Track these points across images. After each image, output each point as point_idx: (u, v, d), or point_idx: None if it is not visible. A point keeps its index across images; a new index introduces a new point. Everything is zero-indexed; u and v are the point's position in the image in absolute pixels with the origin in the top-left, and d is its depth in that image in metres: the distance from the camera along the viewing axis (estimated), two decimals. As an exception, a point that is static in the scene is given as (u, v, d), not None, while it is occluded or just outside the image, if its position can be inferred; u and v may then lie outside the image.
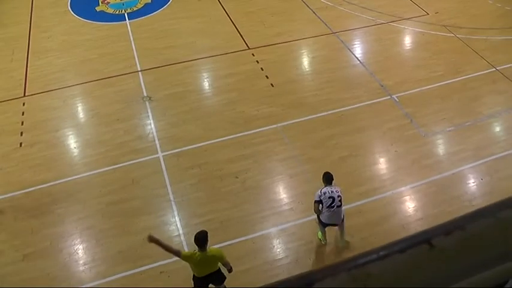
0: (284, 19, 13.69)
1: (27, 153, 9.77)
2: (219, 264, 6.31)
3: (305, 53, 12.72)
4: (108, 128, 10.16)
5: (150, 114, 10.35)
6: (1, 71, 12.24)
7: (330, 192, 6.87)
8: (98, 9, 14.50)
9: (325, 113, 10.23)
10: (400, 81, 11.11)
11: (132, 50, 12.42)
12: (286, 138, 9.61)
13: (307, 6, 14.28)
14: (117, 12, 14.26)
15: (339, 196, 6.91)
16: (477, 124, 9.90)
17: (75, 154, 9.84)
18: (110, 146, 9.70)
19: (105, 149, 9.65)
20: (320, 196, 6.87)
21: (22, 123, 10.56)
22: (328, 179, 7.06)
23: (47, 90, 11.46)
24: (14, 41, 13.28)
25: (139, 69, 11.70)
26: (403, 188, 8.56)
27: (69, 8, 14.85)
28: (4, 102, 11.20)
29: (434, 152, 9.51)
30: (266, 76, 11.35)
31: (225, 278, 6.49)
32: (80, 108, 11.13)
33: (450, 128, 9.82)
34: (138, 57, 12.12)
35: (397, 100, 10.55)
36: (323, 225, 7.21)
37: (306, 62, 12.50)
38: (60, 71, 12.07)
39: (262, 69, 11.61)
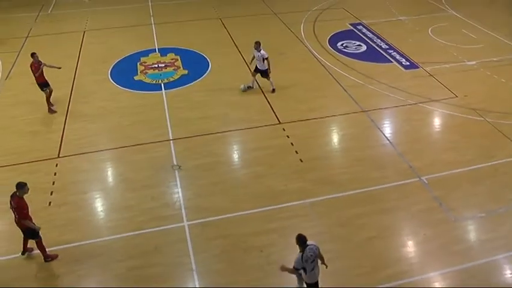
0: (315, 95, 14.38)
1: (54, 213, 10.25)
2: None
3: (335, 130, 13.16)
4: (135, 194, 10.60)
5: (178, 182, 10.76)
6: (40, 133, 13.15)
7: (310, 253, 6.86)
8: (136, 78, 15.57)
9: (353, 192, 10.41)
10: (429, 163, 11.29)
11: (166, 119, 13.17)
12: (313, 214, 9.75)
13: (339, 83, 15.02)
14: (154, 82, 15.30)
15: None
16: (511, 211, 9.82)
17: (101, 217, 10.23)
18: (136, 212, 10.07)
19: (131, 214, 10.02)
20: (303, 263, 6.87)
21: (53, 183, 11.13)
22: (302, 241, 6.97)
23: (79, 153, 12.17)
24: (57, 104, 14.22)
25: (171, 138, 12.33)
26: (432, 274, 8.46)
27: (109, 76, 16.07)
28: (38, 162, 11.89)
29: (465, 238, 9.43)
30: (296, 151, 11.74)
31: None
32: (109, 173, 11.71)
33: (482, 214, 9.79)
34: (171, 126, 12.85)
35: (426, 182, 10.66)
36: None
37: (335, 139, 12.91)
38: (94, 135, 12.88)
39: (292, 144, 12.03)
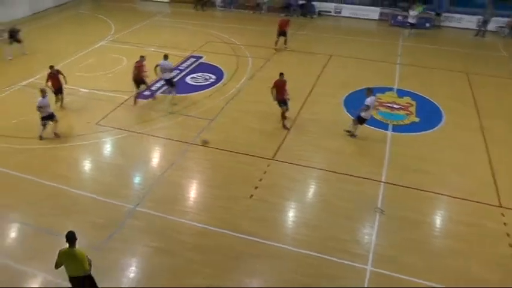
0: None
1: (252, 206, 11.40)
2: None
3: None
4: (330, 218, 10.96)
5: (375, 226, 10.69)
6: (265, 133, 14.76)
7: None
8: (369, 111, 15.86)
9: None
10: None
11: (384, 160, 13.18)
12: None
13: None
14: (383, 121, 15.33)
15: None
16: None
17: (291, 226, 10.90)
18: (324, 235, 10.40)
19: (318, 235, 10.39)
20: None
21: (260, 180, 12.34)
22: None
23: (292, 162, 13.19)
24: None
25: (383, 180, 12.27)
26: None
27: (343, 101, 16.98)
28: (255, 157, 13.35)
29: None
30: (510, 244, 10.21)
31: None
32: (313, 189, 12.37)
33: None
34: (386, 168, 12.80)
35: None
36: None
37: None
38: (311, 151, 13.79)
39: (508, 234, 10.51)
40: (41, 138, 14.32)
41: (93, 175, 13.10)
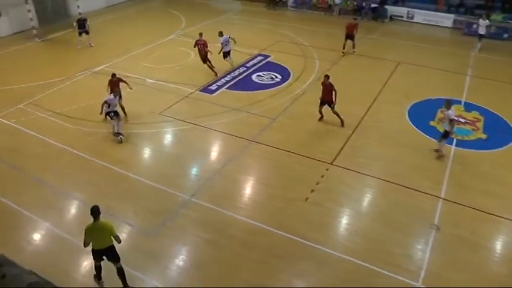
0: None
1: (307, 208, 11.57)
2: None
3: None
4: (383, 230, 10.89)
5: (430, 243, 10.49)
6: (324, 137, 14.92)
7: None
8: (431, 123, 15.63)
9: None
10: None
11: (445, 175, 12.89)
12: None
13: None
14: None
15: None
16: None
17: (343, 234, 10.95)
18: (376, 246, 10.36)
19: (369, 246, 10.36)
20: None
21: (317, 183, 12.46)
22: None
23: (351, 168, 13.20)
24: (349, 118, 15.68)
25: (442, 196, 12.02)
26: None
27: (407, 111, 16.64)
28: (314, 160, 13.50)
29: None
30: None
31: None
32: (368, 199, 12.31)
33: None
34: (446, 184, 12.48)
35: None
36: None
37: None
38: (370, 159, 13.72)
39: None
40: (115, 134, 14.56)
41: (153, 163, 13.83)
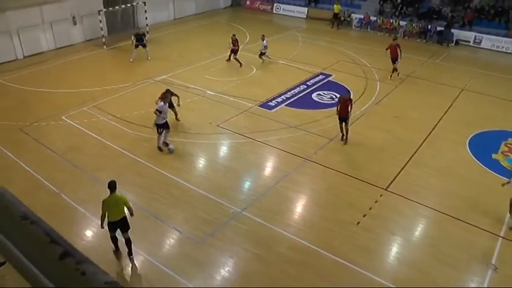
0: None
1: (357, 233, 11.40)
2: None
3: None
4: (435, 263, 10.45)
5: (485, 283, 10.01)
6: (383, 161, 14.64)
7: None
8: (493, 156, 15.02)
9: None
10: None
11: (506, 212, 12.12)
12: None
13: None
14: (509, 168, 14.27)
15: None
16: None
17: (392, 263, 10.63)
18: (426, 280, 9.96)
19: (419, 278, 9.95)
20: None
21: (370, 208, 12.28)
22: None
23: (405, 196, 12.91)
24: (404, 144, 15.41)
25: (501, 235, 11.46)
26: None
27: (467, 141, 16.06)
28: (368, 184, 13.35)
29: None
30: None
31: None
32: (421, 229, 11.93)
33: None
34: (507, 222, 11.78)
35: None
36: None
37: None
38: (427, 188, 13.34)
39: None
40: (160, 149, 14.64)
41: (207, 173, 14.11)
